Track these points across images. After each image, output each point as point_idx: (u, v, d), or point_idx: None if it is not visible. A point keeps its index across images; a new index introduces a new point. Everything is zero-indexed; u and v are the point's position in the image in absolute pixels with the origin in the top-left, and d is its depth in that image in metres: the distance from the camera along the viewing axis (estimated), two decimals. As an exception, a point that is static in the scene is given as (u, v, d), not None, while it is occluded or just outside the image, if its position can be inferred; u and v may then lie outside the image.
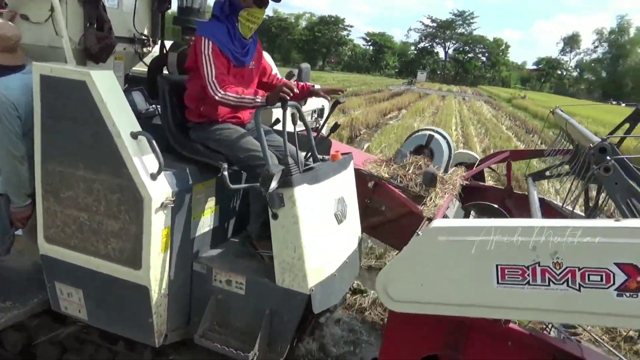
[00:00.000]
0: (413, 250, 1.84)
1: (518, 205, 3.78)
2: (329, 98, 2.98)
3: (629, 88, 69.88)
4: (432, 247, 1.79)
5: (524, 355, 1.90)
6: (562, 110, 3.73)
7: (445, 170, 3.61)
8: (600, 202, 2.26)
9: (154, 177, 2.32)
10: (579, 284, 1.63)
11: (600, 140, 1.78)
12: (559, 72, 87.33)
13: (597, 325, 1.89)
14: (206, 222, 2.77)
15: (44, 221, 2.56)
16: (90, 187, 2.41)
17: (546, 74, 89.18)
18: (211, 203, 2.78)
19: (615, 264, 1.58)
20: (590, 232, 1.60)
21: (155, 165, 2.34)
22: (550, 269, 1.66)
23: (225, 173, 2.25)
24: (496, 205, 3.67)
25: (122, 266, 2.43)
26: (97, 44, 2.68)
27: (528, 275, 1.69)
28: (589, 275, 1.62)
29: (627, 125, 3.06)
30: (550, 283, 1.66)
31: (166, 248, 2.46)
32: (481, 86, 77.32)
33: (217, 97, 2.48)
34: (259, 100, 2.46)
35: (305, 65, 3.92)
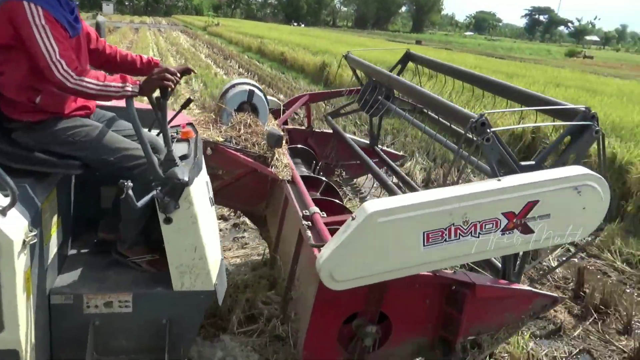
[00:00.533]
0: (354, 235, 1.96)
1: (319, 143, 4.20)
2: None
3: (304, 10, 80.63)
4: (373, 229, 1.95)
5: (429, 289, 2.36)
6: (352, 55, 4.15)
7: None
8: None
9: (4, 212, 1.69)
10: (479, 232, 2.10)
11: (479, 115, 2.19)
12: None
13: (490, 258, 2.45)
14: (54, 244, 2.18)
15: None
16: None
17: (235, 0, 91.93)
18: (55, 218, 2.18)
19: (502, 213, 2.10)
20: (485, 194, 2.05)
21: (3, 197, 1.69)
22: (461, 226, 2.07)
23: (131, 192, 1.80)
24: (303, 146, 3.99)
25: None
26: None
27: (445, 235, 2.06)
28: (485, 225, 2.10)
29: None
30: (460, 237, 2.08)
31: (29, 294, 1.88)
32: (175, 16, 75.16)
33: (69, 84, 1.87)
34: (129, 88, 1.97)
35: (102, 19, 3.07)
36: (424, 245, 2.05)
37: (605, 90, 12.19)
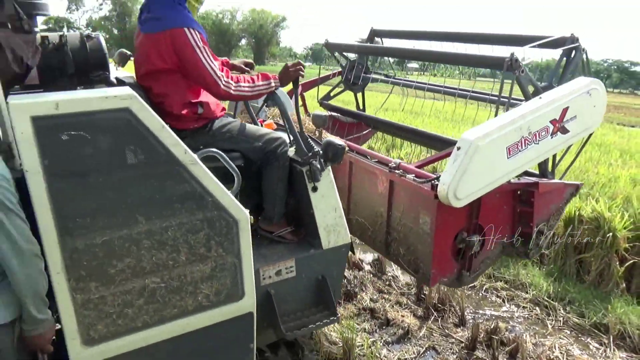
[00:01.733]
0: (465, 160, 2.55)
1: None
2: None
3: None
4: (476, 152, 2.55)
5: (506, 196, 3.01)
6: (331, 41, 4.74)
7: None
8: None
9: (236, 194, 2.07)
10: (538, 140, 2.81)
11: (511, 54, 2.88)
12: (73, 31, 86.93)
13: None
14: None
15: (82, 322, 1.81)
16: (161, 240, 1.88)
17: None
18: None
19: (549, 121, 2.83)
20: (537, 109, 2.76)
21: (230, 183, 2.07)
22: (527, 137, 2.76)
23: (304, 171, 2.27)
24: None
25: (221, 307, 2.10)
26: (34, 54, 1.83)
27: (520, 146, 2.74)
28: (540, 133, 2.82)
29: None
30: (527, 146, 2.77)
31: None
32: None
33: (232, 92, 2.25)
34: (273, 84, 2.39)
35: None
36: (507, 157, 2.72)
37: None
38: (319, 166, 2.44)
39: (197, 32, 2.18)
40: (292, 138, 2.59)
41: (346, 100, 7.13)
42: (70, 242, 1.71)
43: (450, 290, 4.10)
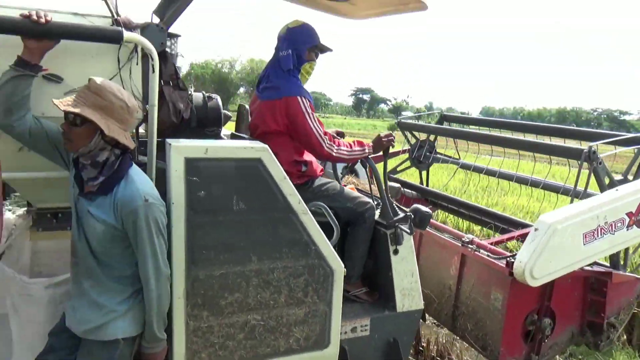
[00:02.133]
0: (543, 241, 2.65)
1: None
2: None
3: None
4: (554, 235, 2.66)
5: (578, 282, 3.05)
6: (403, 120, 5.07)
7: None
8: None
9: (333, 245, 2.25)
10: (614, 230, 2.89)
11: (589, 147, 3.06)
12: None
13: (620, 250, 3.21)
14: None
15: (190, 348, 1.97)
16: (267, 280, 2.06)
17: None
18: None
19: (625, 213, 2.92)
20: (614, 201, 2.87)
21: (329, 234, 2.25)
22: (603, 226, 2.85)
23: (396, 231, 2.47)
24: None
25: (309, 352, 2.22)
26: (186, 107, 2.14)
27: (596, 234, 2.82)
28: (616, 224, 2.90)
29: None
30: (603, 235, 2.85)
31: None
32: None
33: (333, 153, 2.49)
34: (367, 150, 2.62)
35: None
36: (583, 243, 2.80)
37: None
38: (407, 230, 2.59)
39: (307, 100, 2.47)
40: (376, 202, 2.79)
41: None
42: (194, 271, 1.92)
43: (450, 341, 3.94)
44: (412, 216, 2.59)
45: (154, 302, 1.76)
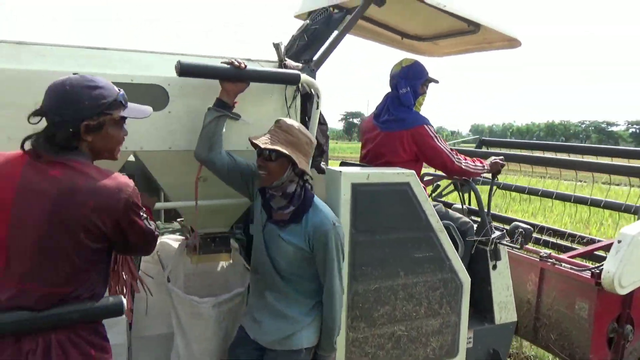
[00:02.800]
0: (628, 251, 2.90)
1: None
2: None
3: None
4: (638, 245, 2.92)
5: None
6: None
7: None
8: None
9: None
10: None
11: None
12: None
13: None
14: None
15: (349, 357, 2.15)
16: (410, 293, 2.27)
17: None
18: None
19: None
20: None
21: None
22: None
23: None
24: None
25: (441, 361, 2.40)
26: (326, 141, 2.38)
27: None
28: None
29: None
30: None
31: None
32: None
33: (462, 166, 2.71)
34: (485, 168, 2.86)
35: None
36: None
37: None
38: (513, 245, 2.82)
39: (431, 126, 2.72)
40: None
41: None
42: (354, 286, 2.12)
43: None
44: (518, 232, 2.81)
45: (336, 314, 1.95)
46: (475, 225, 2.98)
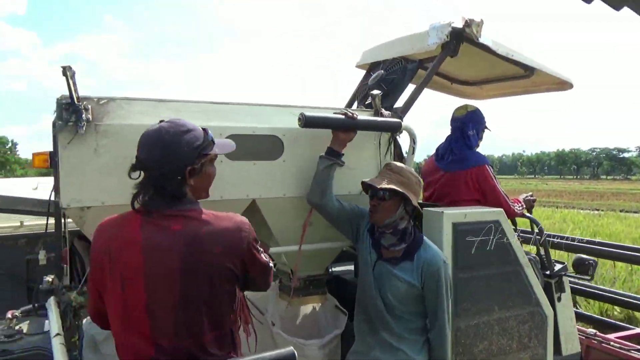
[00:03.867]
0: None
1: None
2: None
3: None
4: None
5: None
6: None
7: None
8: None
9: (542, 294, 2.57)
10: None
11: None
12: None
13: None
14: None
15: (454, 393, 2.20)
16: (504, 327, 2.35)
17: None
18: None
19: None
20: None
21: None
22: None
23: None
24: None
25: (533, 394, 2.46)
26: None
27: None
28: None
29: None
30: None
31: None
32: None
33: (516, 210, 2.84)
34: (525, 207, 3.00)
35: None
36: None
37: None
38: (583, 277, 2.93)
39: (491, 167, 2.87)
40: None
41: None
42: (457, 322, 2.20)
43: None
44: (588, 263, 2.92)
45: (447, 350, 2.02)
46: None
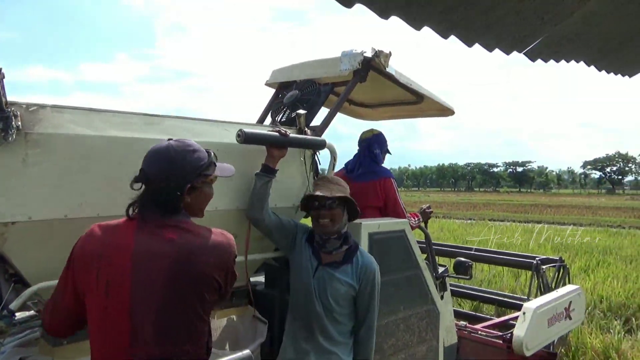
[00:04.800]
0: (530, 322, 3.55)
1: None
2: None
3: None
4: (536, 317, 3.64)
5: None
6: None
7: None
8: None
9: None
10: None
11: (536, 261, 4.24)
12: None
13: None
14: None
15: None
16: (407, 324, 2.66)
17: None
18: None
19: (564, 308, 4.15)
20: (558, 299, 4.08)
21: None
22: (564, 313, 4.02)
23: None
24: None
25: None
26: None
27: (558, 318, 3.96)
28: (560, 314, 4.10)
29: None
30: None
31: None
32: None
33: (413, 224, 3.20)
34: (421, 220, 3.39)
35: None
36: (547, 326, 3.84)
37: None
38: (463, 277, 3.37)
39: (394, 181, 3.20)
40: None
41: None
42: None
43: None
44: (467, 265, 3.37)
45: (373, 346, 2.19)
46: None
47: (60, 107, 1.74)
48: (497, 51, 1.78)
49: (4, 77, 1.54)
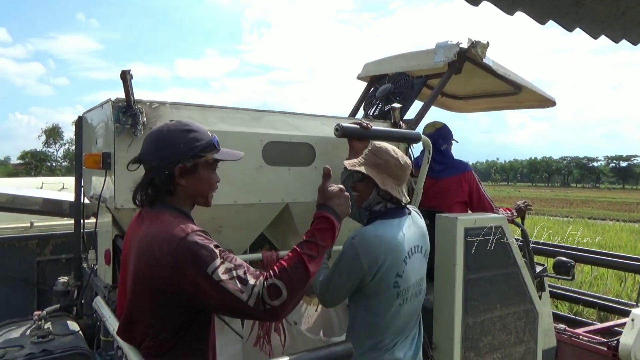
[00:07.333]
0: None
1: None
2: None
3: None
4: None
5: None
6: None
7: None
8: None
9: (536, 292, 2.82)
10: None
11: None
12: (49, 164, 70.89)
13: None
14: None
15: (461, 387, 2.39)
16: (504, 323, 2.57)
17: (35, 167, 68.40)
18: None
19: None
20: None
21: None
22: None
23: None
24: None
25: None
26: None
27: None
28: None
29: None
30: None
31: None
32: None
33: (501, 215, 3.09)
34: (515, 214, 3.25)
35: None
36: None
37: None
38: (564, 278, 3.20)
39: (476, 173, 3.10)
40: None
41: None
42: (466, 319, 2.39)
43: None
44: (569, 265, 3.19)
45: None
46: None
47: (178, 104, 1.90)
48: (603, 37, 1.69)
49: (132, 78, 1.71)
